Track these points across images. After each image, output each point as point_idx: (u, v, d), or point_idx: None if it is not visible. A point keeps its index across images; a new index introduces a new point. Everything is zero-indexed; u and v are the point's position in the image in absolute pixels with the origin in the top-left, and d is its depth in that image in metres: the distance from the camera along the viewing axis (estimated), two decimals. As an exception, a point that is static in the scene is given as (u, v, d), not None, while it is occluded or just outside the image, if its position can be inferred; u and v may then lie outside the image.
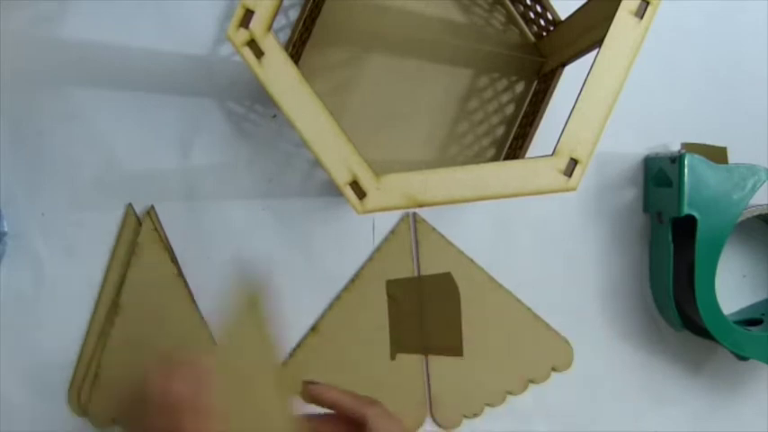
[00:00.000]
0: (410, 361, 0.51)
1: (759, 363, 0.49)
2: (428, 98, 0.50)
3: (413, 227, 0.51)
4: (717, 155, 0.50)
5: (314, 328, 0.50)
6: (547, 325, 0.52)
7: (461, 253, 0.51)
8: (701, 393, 0.53)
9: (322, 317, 0.51)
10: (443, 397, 0.51)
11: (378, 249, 0.51)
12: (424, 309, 0.51)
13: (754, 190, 0.47)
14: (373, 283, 0.51)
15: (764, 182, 0.47)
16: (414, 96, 0.50)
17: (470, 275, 0.51)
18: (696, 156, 0.47)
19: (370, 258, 0.51)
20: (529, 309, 0.51)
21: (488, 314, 0.51)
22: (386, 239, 0.51)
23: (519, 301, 0.51)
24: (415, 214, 0.51)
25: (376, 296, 0.51)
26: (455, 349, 0.51)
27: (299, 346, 0.50)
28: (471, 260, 0.51)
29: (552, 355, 0.52)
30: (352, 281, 0.51)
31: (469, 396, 0.51)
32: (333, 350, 0.50)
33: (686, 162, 0.47)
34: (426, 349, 0.51)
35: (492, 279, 0.51)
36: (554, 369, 0.52)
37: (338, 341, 0.50)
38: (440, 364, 0.51)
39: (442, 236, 0.51)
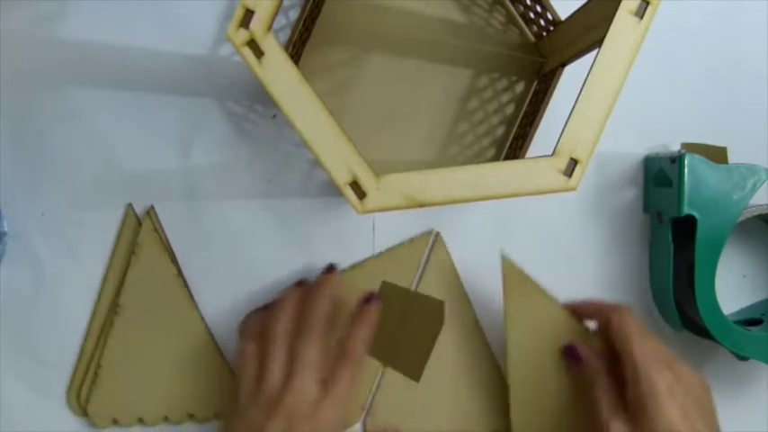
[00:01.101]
0: (369, 363, 0.48)
1: (759, 363, 0.49)
2: (428, 98, 0.50)
3: (431, 244, 0.51)
4: (717, 155, 0.50)
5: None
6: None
7: (464, 292, 0.51)
8: (701, 393, 0.53)
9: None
10: (381, 410, 0.50)
11: (388, 250, 0.51)
12: (405, 322, 0.48)
13: (754, 190, 0.47)
14: (371, 279, 0.49)
15: (764, 182, 0.48)
16: (414, 96, 0.50)
17: (462, 313, 0.50)
18: (696, 156, 0.47)
19: (376, 255, 0.50)
20: (501, 374, 0.51)
21: (462, 359, 0.50)
22: (401, 244, 0.51)
23: (497, 366, 0.51)
24: (438, 234, 0.51)
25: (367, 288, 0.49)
26: (413, 373, 0.48)
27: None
28: (469, 300, 0.51)
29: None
30: (352, 267, 0.50)
31: (407, 420, 0.50)
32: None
33: (686, 162, 0.47)
34: (388, 360, 0.48)
35: (479, 326, 0.51)
36: None
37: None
38: (394, 380, 0.50)
39: (454, 265, 0.51)
